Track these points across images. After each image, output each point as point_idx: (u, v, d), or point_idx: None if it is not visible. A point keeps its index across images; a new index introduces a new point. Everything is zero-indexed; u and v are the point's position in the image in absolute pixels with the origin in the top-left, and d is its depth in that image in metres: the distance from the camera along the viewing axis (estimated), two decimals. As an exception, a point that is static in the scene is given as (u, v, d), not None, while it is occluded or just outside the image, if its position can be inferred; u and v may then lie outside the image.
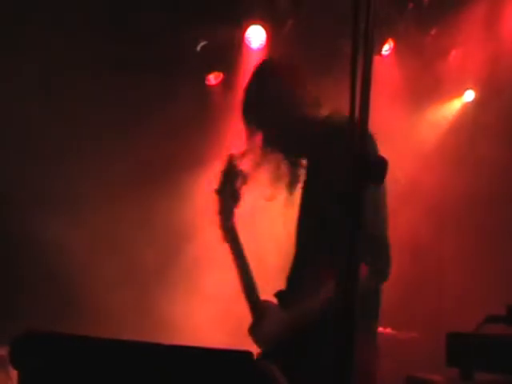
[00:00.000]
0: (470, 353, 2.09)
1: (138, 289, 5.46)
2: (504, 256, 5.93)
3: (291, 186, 2.78)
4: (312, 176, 2.72)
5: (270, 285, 2.78)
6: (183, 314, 5.43)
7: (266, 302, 2.71)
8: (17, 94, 4.89)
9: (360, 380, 2.42)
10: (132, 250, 5.49)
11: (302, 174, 2.77)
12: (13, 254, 5.18)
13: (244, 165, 2.83)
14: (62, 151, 5.32)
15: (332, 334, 1.59)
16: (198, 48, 5.76)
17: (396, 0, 5.60)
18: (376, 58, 4.86)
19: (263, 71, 2.82)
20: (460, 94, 6.44)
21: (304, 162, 2.77)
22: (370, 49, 1.48)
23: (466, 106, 6.48)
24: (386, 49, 5.94)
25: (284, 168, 2.78)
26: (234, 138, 5.72)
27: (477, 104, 6.38)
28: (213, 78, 6.11)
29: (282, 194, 2.85)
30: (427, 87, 6.16)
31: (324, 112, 2.70)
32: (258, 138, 2.76)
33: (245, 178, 2.84)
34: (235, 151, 2.85)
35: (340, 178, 1.56)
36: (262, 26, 5.77)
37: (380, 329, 2.74)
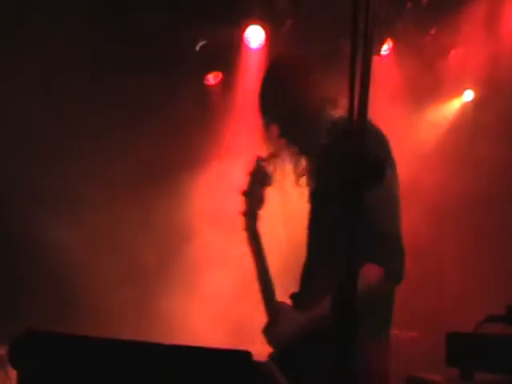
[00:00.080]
0: (470, 353, 2.08)
1: (137, 289, 5.46)
2: (504, 256, 5.93)
3: (298, 179, 2.79)
4: (322, 176, 2.72)
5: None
6: (183, 313, 5.43)
7: (280, 303, 2.70)
8: (17, 94, 4.89)
9: (374, 379, 2.43)
10: (132, 249, 5.49)
11: (311, 169, 2.77)
12: (13, 254, 5.19)
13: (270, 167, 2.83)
14: (62, 151, 5.32)
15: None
16: (197, 48, 5.75)
17: (395, 0, 5.59)
18: (375, 58, 4.86)
19: (282, 67, 2.83)
20: (460, 93, 6.43)
21: (313, 158, 2.77)
22: (370, 49, 1.48)
23: (466, 105, 6.48)
24: (385, 49, 5.93)
25: (299, 161, 2.79)
26: (233, 137, 5.76)
27: (476, 104, 6.38)
28: (212, 78, 6.09)
29: (281, 193, 2.85)
30: (427, 87, 6.15)
31: (339, 112, 2.71)
32: (275, 132, 2.77)
33: (270, 181, 2.85)
34: (262, 154, 2.84)
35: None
36: (261, 26, 5.76)
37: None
